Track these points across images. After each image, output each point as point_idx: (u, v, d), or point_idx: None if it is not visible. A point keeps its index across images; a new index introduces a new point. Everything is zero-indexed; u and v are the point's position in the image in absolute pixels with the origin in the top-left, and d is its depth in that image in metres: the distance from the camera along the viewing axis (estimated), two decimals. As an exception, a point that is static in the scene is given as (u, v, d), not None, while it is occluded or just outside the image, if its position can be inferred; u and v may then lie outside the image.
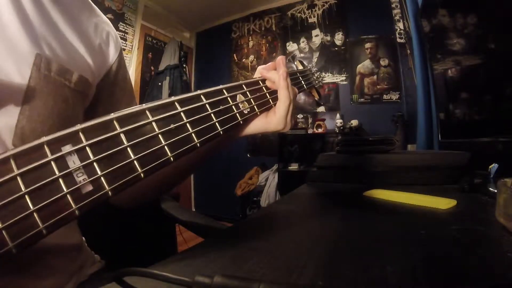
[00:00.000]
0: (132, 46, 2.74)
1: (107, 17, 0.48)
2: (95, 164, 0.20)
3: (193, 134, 0.27)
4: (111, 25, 0.48)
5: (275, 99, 0.40)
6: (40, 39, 0.34)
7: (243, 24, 3.30)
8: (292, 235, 0.38)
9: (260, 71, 0.41)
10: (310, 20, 2.91)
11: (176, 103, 0.27)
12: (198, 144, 0.27)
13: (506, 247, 0.28)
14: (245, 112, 0.35)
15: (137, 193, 0.45)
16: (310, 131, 2.70)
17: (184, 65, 3.09)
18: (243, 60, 3.28)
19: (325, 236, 0.37)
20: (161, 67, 3.02)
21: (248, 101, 0.36)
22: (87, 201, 0.19)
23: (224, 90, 0.33)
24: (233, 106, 0.33)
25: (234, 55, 3.33)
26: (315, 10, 2.89)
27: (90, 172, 0.19)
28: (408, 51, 2.15)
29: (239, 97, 0.34)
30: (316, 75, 0.61)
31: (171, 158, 0.25)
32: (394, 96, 2.48)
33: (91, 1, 0.45)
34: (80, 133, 0.20)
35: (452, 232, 0.34)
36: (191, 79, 3.41)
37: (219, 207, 3.09)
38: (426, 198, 0.50)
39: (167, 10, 3.08)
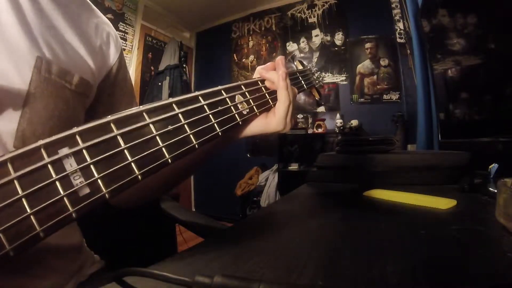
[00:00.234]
0: (132, 46, 2.74)
1: (107, 17, 0.48)
2: (92, 166, 0.20)
3: (191, 136, 0.27)
4: (111, 25, 0.48)
5: (275, 99, 0.39)
6: (40, 41, 0.34)
7: (243, 24, 3.30)
8: (292, 235, 0.38)
9: (259, 72, 0.41)
10: (310, 20, 2.91)
11: (174, 104, 0.27)
12: (196, 146, 0.27)
13: (506, 247, 0.28)
14: (244, 112, 0.34)
15: (136, 194, 0.45)
16: (310, 131, 2.70)
17: (184, 65, 3.09)
18: (243, 60, 3.28)
19: (325, 236, 0.37)
20: (161, 67, 3.02)
21: (247, 102, 0.36)
22: (84, 203, 0.19)
23: (222, 91, 0.33)
24: (232, 107, 0.33)
25: (234, 55, 3.33)
26: (315, 10, 2.89)
27: (87, 175, 0.19)
28: (408, 51, 2.15)
29: (238, 98, 0.34)
30: (316, 75, 0.61)
31: (169, 160, 0.24)
32: (394, 96, 2.48)
33: (90, 2, 0.45)
34: (77, 136, 0.20)
35: (452, 232, 0.34)
36: (191, 79, 3.41)
37: (219, 207, 3.09)
38: (426, 198, 0.50)
39: (167, 10, 3.08)
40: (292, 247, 0.33)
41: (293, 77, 0.48)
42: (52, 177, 0.18)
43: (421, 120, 1.29)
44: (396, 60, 2.47)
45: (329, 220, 0.45)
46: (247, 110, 0.35)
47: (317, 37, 2.87)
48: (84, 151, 0.20)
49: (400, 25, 2.34)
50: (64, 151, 0.19)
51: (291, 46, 3.00)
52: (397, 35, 2.39)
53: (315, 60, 2.87)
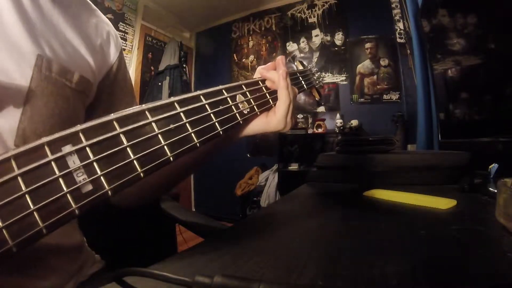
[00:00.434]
0: (132, 46, 2.74)
1: (107, 17, 0.48)
2: (95, 164, 0.20)
3: (192, 134, 0.27)
4: (111, 25, 0.48)
5: (275, 99, 0.39)
6: (41, 40, 0.34)
7: (243, 24, 3.30)
8: (292, 235, 0.38)
9: (260, 71, 0.41)
10: (310, 20, 2.91)
11: (175, 103, 0.27)
12: (198, 144, 0.27)
13: (506, 247, 0.28)
14: (245, 112, 0.35)
15: (137, 192, 0.45)
16: (310, 131, 2.70)
17: (184, 65, 3.09)
18: (243, 60, 3.28)
19: (325, 236, 0.37)
20: (161, 67, 3.02)
21: (248, 101, 0.36)
22: (87, 200, 0.19)
23: (223, 91, 0.33)
24: (232, 106, 0.33)
25: (234, 55, 3.33)
26: (315, 10, 2.89)
27: (90, 172, 0.19)
28: (408, 51, 2.15)
29: (239, 97, 0.35)
30: (316, 75, 0.61)
31: (171, 158, 0.25)
32: (394, 96, 2.48)
33: (90, 2, 0.45)
34: (80, 134, 0.20)
35: (452, 232, 0.34)
36: (191, 79, 3.41)
37: (219, 207, 3.09)
38: (426, 198, 0.50)
39: (167, 10, 3.08)
40: (292, 247, 0.33)
41: (293, 77, 0.48)
42: (55, 174, 0.18)
43: (421, 120, 1.29)
44: (396, 60, 2.47)
45: (329, 220, 0.45)
46: (248, 110, 0.35)
47: (317, 37, 2.87)
48: (87, 148, 0.20)
49: (400, 25, 2.34)
50: (68, 148, 0.19)
51: (291, 46, 3.00)
52: (397, 35, 2.39)
53: (315, 60, 2.87)
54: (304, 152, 2.65)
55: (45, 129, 0.33)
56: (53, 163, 0.18)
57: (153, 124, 0.24)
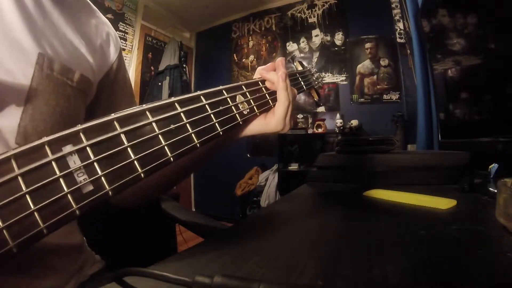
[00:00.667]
0: (132, 46, 2.74)
1: (107, 17, 0.48)
2: (95, 164, 0.20)
3: (193, 135, 0.27)
4: (111, 25, 0.48)
5: (275, 99, 0.40)
6: (42, 39, 0.34)
7: (243, 24, 3.30)
8: (292, 235, 0.38)
9: (260, 72, 0.41)
10: (310, 20, 2.91)
11: (176, 103, 0.27)
12: (198, 145, 0.27)
13: (506, 247, 0.28)
14: (245, 112, 0.35)
15: (137, 192, 0.45)
16: (310, 131, 2.70)
17: (184, 65, 3.09)
18: (243, 60, 3.28)
19: (325, 236, 0.37)
20: (161, 67, 3.02)
21: (248, 102, 0.36)
22: (87, 201, 0.19)
23: (223, 91, 0.33)
24: (232, 107, 0.33)
25: (234, 55, 3.33)
26: (315, 10, 2.89)
27: (91, 172, 0.19)
28: (408, 51, 2.15)
29: (239, 98, 0.35)
30: (315, 75, 0.61)
31: (171, 159, 0.25)
32: (394, 96, 2.48)
33: (90, 2, 0.45)
34: (81, 133, 0.20)
35: (452, 232, 0.34)
36: (191, 79, 3.41)
37: (219, 207, 3.09)
38: (426, 198, 0.50)
39: (167, 10, 3.08)
40: (292, 247, 0.33)
41: (292, 78, 0.48)
42: (56, 174, 0.18)
43: (421, 120, 1.29)
44: (396, 60, 2.47)
45: (329, 220, 0.45)
46: (248, 110, 0.35)
47: (317, 37, 2.87)
48: (87, 148, 0.20)
49: (400, 25, 2.34)
50: (68, 148, 0.19)
51: (291, 46, 3.00)
52: (397, 35, 2.39)
53: (315, 60, 2.87)
54: (304, 152, 2.65)
55: (46, 127, 0.33)
56: (53, 163, 0.18)
57: (154, 124, 0.24)
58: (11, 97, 0.31)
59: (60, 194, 0.18)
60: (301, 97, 2.88)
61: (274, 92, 0.40)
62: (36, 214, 0.17)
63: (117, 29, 2.56)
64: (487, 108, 0.85)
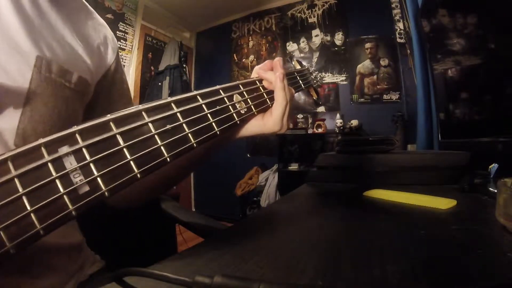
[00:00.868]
0: (132, 46, 2.74)
1: (107, 17, 0.49)
2: (91, 165, 0.20)
3: (189, 135, 0.27)
4: (108, 27, 0.48)
5: (272, 99, 0.39)
6: (40, 41, 0.34)
7: (243, 24, 3.30)
8: (292, 235, 0.38)
9: (257, 71, 0.41)
10: (310, 20, 2.91)
11: (172, 103, 0.27)
12: (194, 144, 0.27)
13: (506, 247, 0.28)
14: (242, 112, 0.34)
15: (133, 194, 0.45)
16: (310, 131, 2.70)
17: (184, 65, 3.09)
18: (243, 60, 3.28)
19: (325, 236, 0.37)
20: (161, 67, 3.02)
21: (245, 101, 0.36)
22: (84, 201, 0.19)
23: (220, 90, 0.33)
24: (230, 106, 0.33)
25: (234, 55, 3.33)
26: (315, 10, 2.89)
27: (87, 173, 0.19)
28: (408, 51, 2.15)
29: (236, 97, 0.34)
30: (314, 74, 0.61)
31: (168, 159, 0.25)
32: (394, 96, 2.48)
33: (87, 4, 0.46)
34: (77, 135, 0.20)
35: (452, 232, 0.34)
36: (191, 79, 3.41)
37: (219, 207, 3.09)
38: (426, 198, 0.50)
39: (167, 10, 3.08)
40: (292, 247, 0.33)
41: (291, 77, 0.48)
42: (52, 175, 0.18)
43: (421, 120, 1.29)
44: (396, 60, 2.47)
45: (329, 220, 0.45)
46: (245, 110, 0.35)
47: (317, 37, 2.87)
48: (83, 149, 0.20)
49: (400, 25, 2.34)
50: (64, 149, 0.19)
51: (291, 46, 3.00)
52: (397, 35, 2.39)
53: (315, 60, 2.87)
54: (304, 152, 2.65)
55: (45, 129, 0.33)
56: (49, 164, 0.18)
57: (150, 124, 0.24)
58: (10, 99, 0.31)
59: (57, 195, 0.18)
60: (301, 97, 2.88)
61: (272, 91, 0.40)
62: (32, 215, 0.17)
63: (117, 29, 2.56)
64: (487, 108, 0.85)
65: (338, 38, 2.77)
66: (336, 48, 2.77)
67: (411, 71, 2.06)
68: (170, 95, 2.79)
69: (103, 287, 0.25)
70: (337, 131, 2.51)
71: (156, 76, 2.97)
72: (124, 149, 0.22)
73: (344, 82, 2.72)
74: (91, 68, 0.41)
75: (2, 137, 0.31)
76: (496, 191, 0.39)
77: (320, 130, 2.57)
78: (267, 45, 3.15)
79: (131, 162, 0.22)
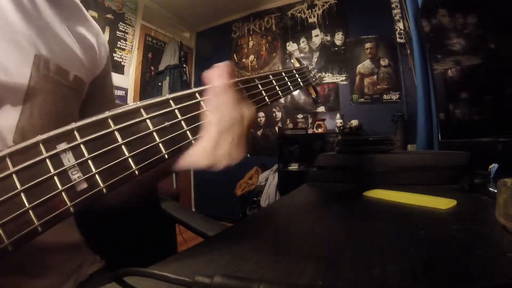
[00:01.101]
0: (132, 46, 2.74)
1: (107, 17, 0.49)
2: (89, 161, 0.20)
3: (187, 132, 0.27)
4: (100, 30, 0.49)
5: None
6: (39, 40, 0.34)
7: (243, 24, 3.30)
8: (292, 235, 0.38)
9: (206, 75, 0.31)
10: (310, 20, 2.91)
11: (170, 100, 0.27)
12: (192, 141, 0.27)
13: (506, 247, 0.28)
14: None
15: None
16: (310, 131, 2.70)
17: (184, 65, 3.09)
18: (243, 60, 3.28)
19: (325, 236, 0.37)
20: (161, 67, 3.02)
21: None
22: (81, 198, 0.19)
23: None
24: None
25: (234, 55, 3.33)
26: (315, 10, 2.89)
27: (85, 170, 0.20)
28: (408, 51, 2.15)
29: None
30: (313, 72, 0.61)
31: (166, 156, 0.25)
32: (394, 96, 2.48)
33: (89, 3, 0.46)
34: (75, 131, 0.20)
35: (452, 232, 0.34)
36: (191, 79, 3.41)
37: (219, 207, 3.09)
38: (426, 198, 0.50)
39: (167, 10, 3.08)
40: (292, 247, 0.33)
41: (289, 75, 0.48)
42: (50, 172, 0.18)
43: (421, 120, 1.29)
44: (396, 60, 2.47)
45: (329, 220, 0.45)
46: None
47: (317, 37, 2.87)
48: (81, 146, 0.20)
49: (400, 25, 2.34)
50: (62, 146, 0.19)
51: (291, 46, 3.00)
52: (397, 35, 2.39)
53: (315, 60, 2.87)
54: (304, 152, 2.65)
55: (43, 126, 0.34)
56: (48, 161, 0.18)
57: (148, 121, 0.24)
58: (9, 96, 0.31)
59: (55, 192, 0.18)
60: (301, 97, 2.88)
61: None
62: (30, 212, 0.17)
63: (117, 29, 2.56)
64: (487, 108, 0.85)
65: (338, 38, 2.77)
66: (336, 48, 2.77)
67: (411, 71, 2.06)
68: (170, 95, 2.79)
69: (103, 287, 0.25)
70: (337, 131, 2.51)
71: (156, 76, 2.98)
72: (122, 146, 0.22)
73: (344, 82, 2.72)
74: (86, 67, 0.42)
75: (1, 134, 0.31)
76: (496, 191, 0.39)
77: (320, 130, 2.57)
78: (267, 45, 3.15)
79: (129, 159, 0.22)
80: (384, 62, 2.53)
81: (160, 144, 0.24)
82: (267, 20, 3.15)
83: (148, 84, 2.94)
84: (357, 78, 2.65)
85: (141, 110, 0.24)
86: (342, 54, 2.74)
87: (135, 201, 0.44)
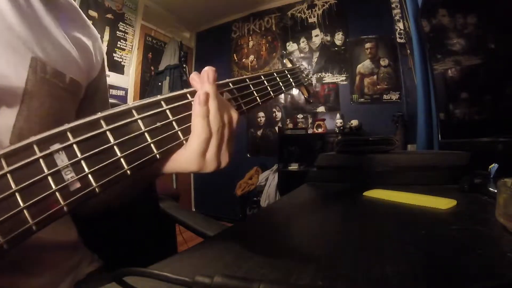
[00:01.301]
0: (132, 46, 2.74)
1: (107, 17, 0.49)
2: (82, 162, 0.20)
3: (179, 132, 0.27)
4: (98, 34, 0.49)
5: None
6: (35, 42, 0.34)
7: (243, 24, 3.30)
8: (292, 235, 0.38)
9: (191, 81, 0.31)
10: (310, 20, 2.91)
11: (162, 101, 0.27)
12: (184, 142, 0.28)
13: (506, 247, 0.28)
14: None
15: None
16: (310, 131, 2.70)
17: (184, 65, 3.09)
18: (243, 60, 3.28)
19: (325, 236, 0.37)
20: (161, 67, 3.02)
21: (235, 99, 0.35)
22: (75, 197, 0.19)
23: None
24: None
25: (234, 55, 3.33)
26: (315, 10, 2.89)
27: (78, 170, 0.20)
28: (408, 51, 2.14)
29: (225, 95, 0.35)
30: (305, 73, 0.62)
31: (157, 156, 0.25)
32: (394, 96, 2.48)
33: (80, 10, 0.46)
34: (68, 132, 0.20)
35: (452, 232, 0.34)
36: (191, 79, 3.41)
37: (219, 207, 3.09)
38: (426, 198, 0.50)
39: (167, 10, 3.08)
40: (292, 247, 0.33)
41: (281, 75, 0.48)
42: (44, 172, 0.18)
43: (421, 120, 1.29)
44: (396, 60, 2.47)
45: (329, 220, 0.45)
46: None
47: (317, 37, 2.87)
48: (74, 146, 0.20)
49: (400, 25, 2.33)
50: (56, 147, 0.19)
51: (291, 46, 3.00)
52: (397, 35, 2.39)
53: (315, 60, 2.87)
54: (304, 152, 2.65)
55: (40, 128, 0.33)
56: (41, 161, 0.18)
57: (140, 122, 0.25)
58: (6, 98, 0.31)
59: (49, 192, 0.18)
60: (301, 97, 2.88)
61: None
62: (25, 211, 0.17)
63: (117, 29, 2.56)
64: (487, 108, 0.85)
65: (338, 38, 2.77)
66: (336, 48, 2.77)
67: (411, 71, 2.05)
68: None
69: (103, 287, 0.25)
70: (337, 131, 2.51)
71: (156, 76, 2.97)
72: (115, 146, 0.22)
73: (344, 82, 2.72)
74: (83, 70, 0.42)
75: None
76: (496, 191, 0.39)
77: (320, 130, 2.57)
78: (267, 45, 3.15)
79: (121, 159, 0.22)
80: (384, 62, 2.53)
81: (151, 144, 0.25)
82: (267, 20, 3.15)
83: (148, 84, 2.94)
84: (357, 78, 2.65)
85: (133, 111, 0.25)
86: (342, 54, 2.74)
87: (128, 194, 0.45)
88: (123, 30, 2.63)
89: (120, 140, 0.23)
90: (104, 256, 0.49)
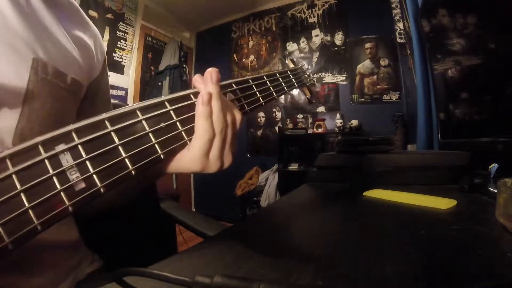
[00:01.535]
0: (132, 46, 2.74)
1: (107, 17, 0.49)
2: (87, 162, 0.20)
3: (183, 132, 0.27)
4: (99, 33, 0.49)
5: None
6: (37, 43, 0.34)
7: (243, 24, 3.30)
8: (292, 235, 0.38)
9: (194, 83, 0.32)
10: (310, 20, 2.91)
11: (166, 102, 0.27)
12: (188, 142, 0.28)
13: (506, 247, 0.28)
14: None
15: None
16: (310, 131, 2.70)
17: (184, 65, 3.09)
18: (243, 60, 3.28)
19: (325, 236, 0.37)
20: (161, 67, 3.02)
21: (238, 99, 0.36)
22: (80, 197, 0.19)
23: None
24: None
25: (234, 55, 3.33)
26: (315, 10, 2.89)
27: (83, 170, 0.20)
28: (408, 51, 2.14)
29: (229, 96, 0.35)
30: (307, 73, 0.62)
31: (162, 156, 0.25)
32: (394, 96, 2.48)
33: (80, 9, 0.46)
34: (73, 133, 0.20)
35: (452, 232, 0.34)
36: (191, 79, 3.39)
37: (219, 207, 3.09)
38: (426, 198, 0.50)
39: (167, 10, 3.08)
40: (292, 247, 0.33)
41: (284, 76, 0.48)
42: (49, 172, 0.18)
43: (421, 120, 1.29)
44: (396, 60, 2.47)
45: (329, 220, 0.45)
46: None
47: (317, 37, 2.87)
48: (79, 147, 0.20)
49: (400, 25, 2.33)
50: (61, 147, 0.19)
51: (291, 46, 3.00)
52: (397, 35, 2.39)
53: (315, 60, 2.87)
54: (304, 152, 2.65)
55: (42, 129, 0.34)
56: (46, 161, 0.18)
57: (144, 122, 0.25)
58: (8, 99, 0.31)
59: (54, 192, 0.18)
60: (301, 97, 2.88)
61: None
62: (30, 211, 0.17)
63: (117, 29, 2.56)
64: (487, 108, 0.85)
65: (338, 38, 2.77)
66: (336, 48, 2.77)
67: (411, 71, 2.05)
68: (170, 95, 2.79)
69: (103, 287, 0.25)
70: (337, 131, 2.51)
71: (156, 76, 2.97)
72: (119, 147, 0.22)
73: (344, 82, 2.72)
74: (84, 70, 0.42)
75: (0, 137, 0.31)
76: (496, 191, 0.39)
77: (320, 130, 2.57)
78: (267, 45, 3.15)
79: (126, 160, 0.23)
80: (384, 62, 2.53)
81: (156, 145, 0.25)
82: (267, 20, 3.15)
83: (148, 84, 2.94)
84: (357, 78, 2.65)
85: (137, 111, 0.25)
86: (342, 54, 2.74)
87: (131, 194, 0.45)
88: (123, 30, 2.63)
89: (124, 140, 0.23)
90: (104, 256, 0.49)
